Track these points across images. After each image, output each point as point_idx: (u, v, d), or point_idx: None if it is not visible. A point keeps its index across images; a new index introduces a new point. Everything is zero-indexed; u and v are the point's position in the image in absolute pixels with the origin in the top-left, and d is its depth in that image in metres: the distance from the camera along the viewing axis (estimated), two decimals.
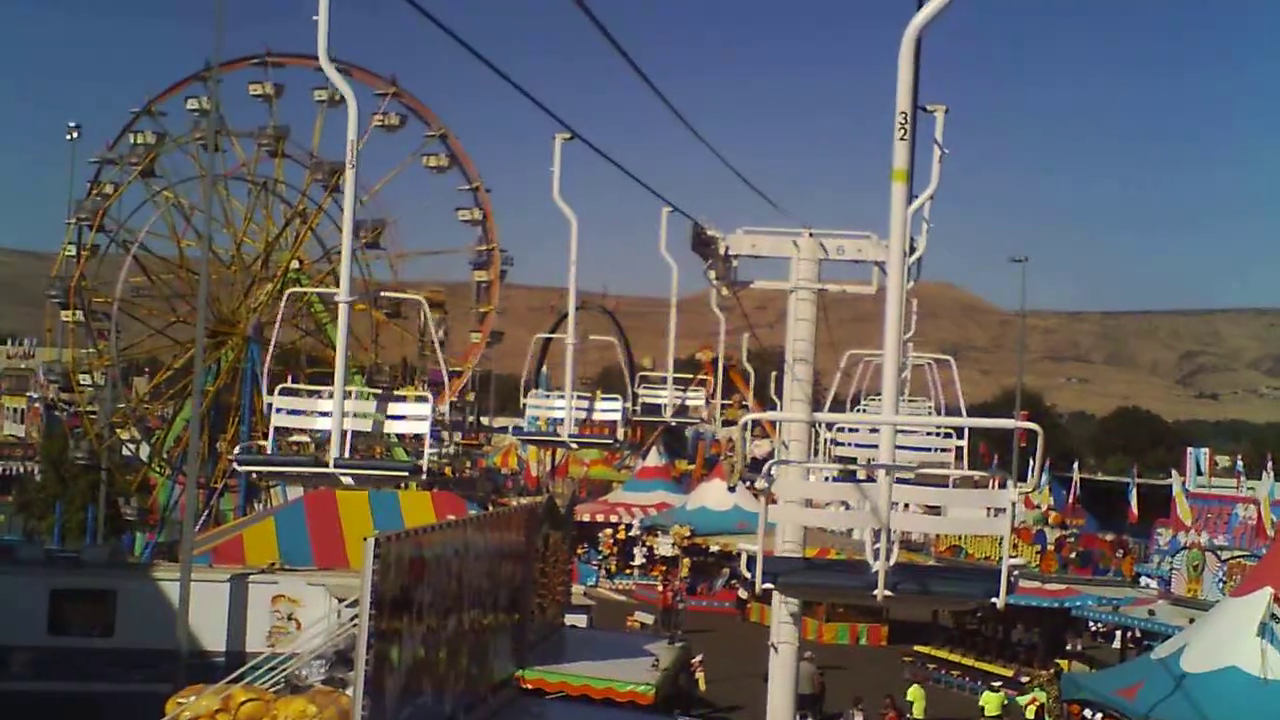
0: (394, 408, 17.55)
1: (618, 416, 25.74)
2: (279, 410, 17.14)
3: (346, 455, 16.16)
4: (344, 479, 16.56)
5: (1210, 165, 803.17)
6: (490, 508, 64.51)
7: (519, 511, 22.48)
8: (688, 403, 28.71)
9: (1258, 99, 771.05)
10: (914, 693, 39.47)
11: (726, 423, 28.77)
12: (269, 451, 17.39)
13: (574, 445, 26.92)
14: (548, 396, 26.68)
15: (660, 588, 65.78)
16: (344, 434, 16.19)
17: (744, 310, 25.17)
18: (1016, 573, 11.22)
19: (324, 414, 16.75)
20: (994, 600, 10.88)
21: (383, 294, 68.33)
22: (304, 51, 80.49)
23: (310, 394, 17.72)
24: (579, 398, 24.98)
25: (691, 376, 31.63)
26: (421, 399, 18.18)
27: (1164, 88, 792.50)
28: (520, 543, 21.55)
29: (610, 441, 27.39)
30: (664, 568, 67.89)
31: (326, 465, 16.20)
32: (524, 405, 26.04)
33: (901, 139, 10.93)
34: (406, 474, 18.06)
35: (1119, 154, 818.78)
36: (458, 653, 18.02)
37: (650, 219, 23.54)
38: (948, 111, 19.45)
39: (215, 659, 31.09)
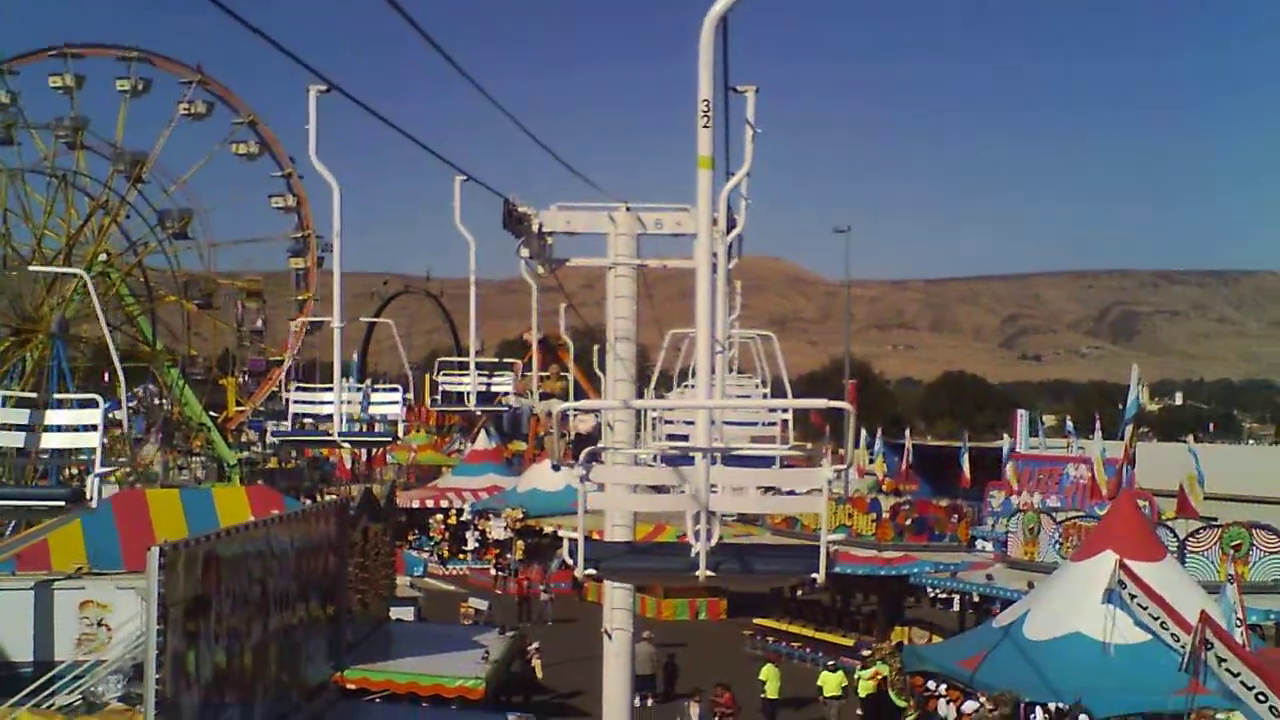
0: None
1: (396, 410, 25.81)
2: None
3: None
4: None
5: (1028, 132, 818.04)
6: (317, 498, 63.14)
7: (327, 506, 21.31)
8: (493, 388, 27.64)
9: (1087, 57, 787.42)
10: (767, 672, 38.63)
11: (544, 395, 27.77)
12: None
13: (344, 444, 26.92)
14: (316, 389, 26.45)
15: (500, 574, 64.90)
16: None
17: (562, 286, 24.21)
18: (834, 548, 10.90)
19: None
20: (814, 575, 10.94)
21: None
22: (103, 41, 78.52)
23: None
24: (352, 389, 25.23)
25: (498, 360, 30.58)
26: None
27: (983, 54, 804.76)
28: (332, 538, 20.37)
29: (386, 438, 27.14)
30: (497, 551, 66.99)
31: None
32: (286, 400, 25.97)
33: (705, 127, 10.61)
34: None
35: (936, 123, 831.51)
36: (265, 659, 16.86)
37: (474, 201, 22.47)
38: (758, 91, 18.83)
39: (22, 670, 29.46)
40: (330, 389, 23.67)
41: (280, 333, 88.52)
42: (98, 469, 15.21)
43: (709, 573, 10.74)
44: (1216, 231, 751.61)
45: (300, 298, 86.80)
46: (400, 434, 25.20)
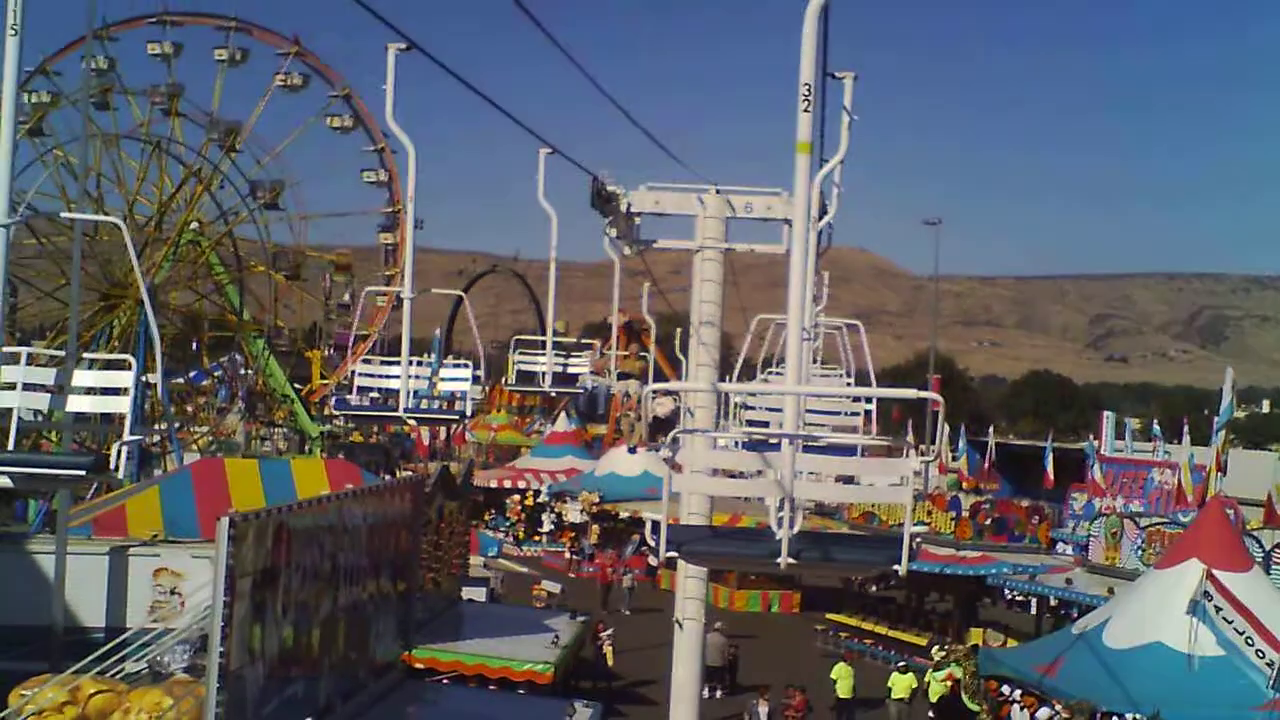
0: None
1: (465, 387, 25.15)
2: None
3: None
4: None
5: (1125, 134, 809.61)
6: (396, 474, 63.23)
7: (404, 483, 21.13)
8: (570, 369, 27.24)
9: (1181, 72, 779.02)
10: (839, 670, 38.00)
11: (622, 375, 27.17)
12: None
13: (410, 421, 27.14)
14: (386, 363, 25.79)
15: (574, 557, 64.72)
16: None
17: (648, 267, 23.93)
18: (918, 539, 10.77)
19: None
20: (896, 567, 10.88)
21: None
22: (202, 10, 78.82)
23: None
24: (418, 364, 24.33)
25: (575, 340, 30.30)
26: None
27: (1083, 58, 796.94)
28: (406, 515, 20.22)
29: (455, 416, 26.68)
30: (572, 534, 66.79)
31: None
32: (351, 373, 25.84)
33: (805, 110, 10.58)
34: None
35: (1033, 120, 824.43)
36: (333, 636, 16.70)
37: (564, 183, 22.26)
38: (857, 79, 19.18)
39: (94, 635, 29.50)
40: (398, 363, 23.43)
41: (368, 307, 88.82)
42: (126, 435, 14.47)
43: (790, 560, 10.70)
44: None
45: (389, 273, 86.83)
46: (469, 412, 24.69)
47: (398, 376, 23.05)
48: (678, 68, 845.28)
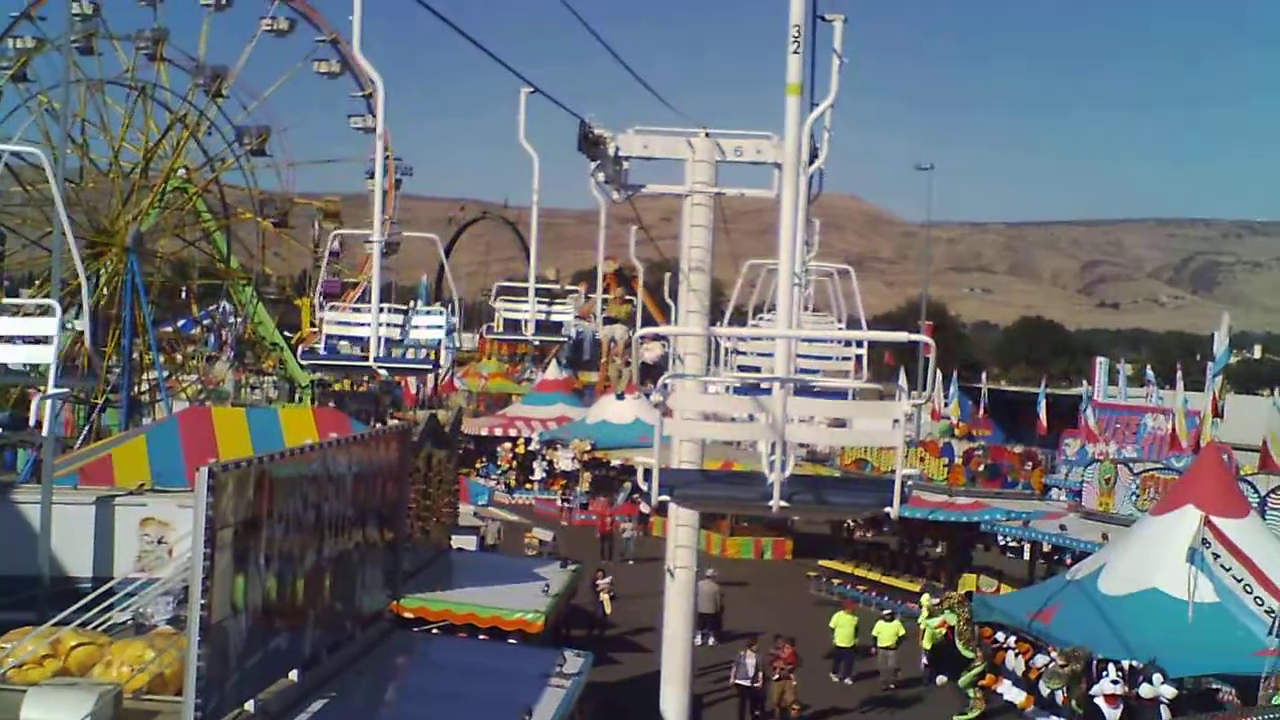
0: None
1: (439, 335, 23.72)
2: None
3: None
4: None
5: (1115, 78, 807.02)
6: (386, 422, 62.99)
7: (391, 431, 20.77)
8: (553, 317, 26.75)
9: (1175, 18, 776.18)
10: (839, 619, 37.69)
11: (609, 320, 26.59)
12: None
13: (381, 371, 25.54)
14: (356, 310, 24.99)
15: (565, 505, 64.63)
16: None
17: (636, 211, 23.56)
18: (910, 482, 11.00)
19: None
20: (888, 509, 10.95)
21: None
22: None
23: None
24: (392, 311, 23.15)
25: (561, 287, 29.86)
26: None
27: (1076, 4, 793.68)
28: (393, 464, 19.88)
29: (427, 366, 24.97)
30: (564, 482, 66.71)
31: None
32: (318, 320, 24.04)
33: (795, 52, 10.65)
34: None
35: (1022, 66, 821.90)
36: (318, 587, 16.41)
37: (551, 126, 21.90)
38: (846, 21, 18.50)
39: (81, 585, 29.28)
40: (367, 309, 21.99)
41: (357, 254, 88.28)
42: (50, 389, 13.80)
43: (783, 503, 10.72)
44: None
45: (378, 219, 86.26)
46: (443, 361, 23.38)
47: (367, 324, 21.59)
48: (667, 6, 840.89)
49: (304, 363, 46.07)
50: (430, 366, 24.50)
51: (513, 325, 27.00)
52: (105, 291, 62.53)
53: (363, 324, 22.39)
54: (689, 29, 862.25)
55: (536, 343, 30.03)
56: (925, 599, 37.48)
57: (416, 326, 23.06)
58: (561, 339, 28.95)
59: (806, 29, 11.40)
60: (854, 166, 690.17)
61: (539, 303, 26.25)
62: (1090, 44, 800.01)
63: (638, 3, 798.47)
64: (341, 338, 23.13)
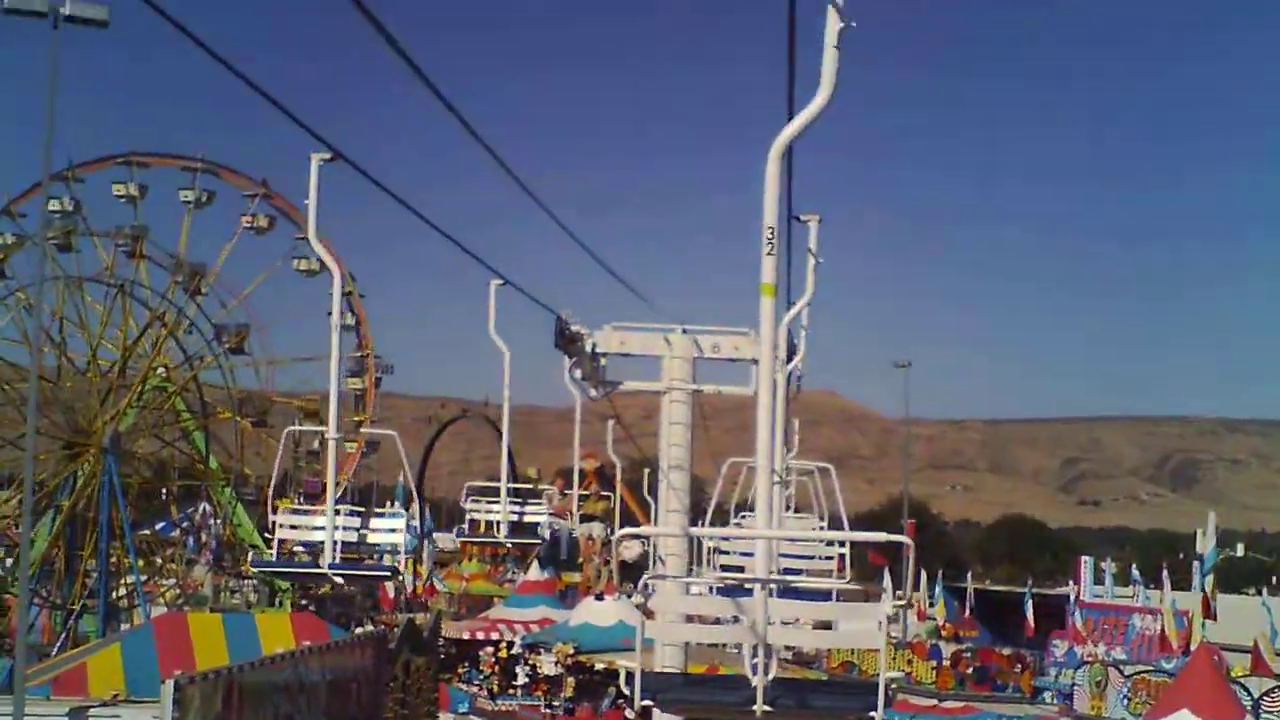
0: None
1: (398, 539, 21.77)
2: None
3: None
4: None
5: (1088, 274, 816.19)
6: (368, 625, 62.04)
7: (363, 637, 20.31)
8: (526, 517, 26.24)
9: (1156, 210, 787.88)
10: None
11: (586, 518, 25.99)
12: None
13: (337, 579, 22.14)
14: (308, 514, 22.46)
15: (549, 711, 63.36)
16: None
17: (617, 411, 23.35)
18: (894, 685, 10.64)
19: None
20: (872, 714, 10.84)
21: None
22: (168, 151, 78.77)
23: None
24: (350, 514, 21.75)
25: (531, 486, 29.52)
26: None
27: (1046, 194, 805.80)
28: (368, 671, 19.38)
29: (384, 572, 22.59)
30: (546, 687, 65.52)
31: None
32: (272, 523, 22.13)
33: (769, 254, 10.72)
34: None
35: (992, 262, 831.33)
36: None
37: (528, 324, 21.81)
38: (821, 221, 19.40)
39: None
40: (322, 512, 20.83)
41: (340, 453, 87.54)
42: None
43: (766, 707, 10.67)
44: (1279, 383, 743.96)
45: (357, 419, 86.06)
46: (400, 567, 21.43)
47: (322, 528, 20.28)
48: (641, 202, 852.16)
49: (253, 570, 44.60)
50: (389, 573, 22.14)
51: (483, 526, 26.46)
52: (86, 493, 61.87)
53: (317, 527, 20.83)
54: (663, 226, 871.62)
55: (509, 545, 29.19)
56: None
57: (375, 530, 21.57)
58: (535, 540, 28.15)
59: (781, 229, 11.44)
60: (831, 364, 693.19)
61: (511, 503, 25.74)
62: (1061, 231, 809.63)
63: (610, 201, 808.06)
64: (299, 543, 21.61)
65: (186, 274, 69.69)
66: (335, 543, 19.87)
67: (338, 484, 67.97)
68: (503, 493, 25.49)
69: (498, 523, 25.59)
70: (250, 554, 35.32)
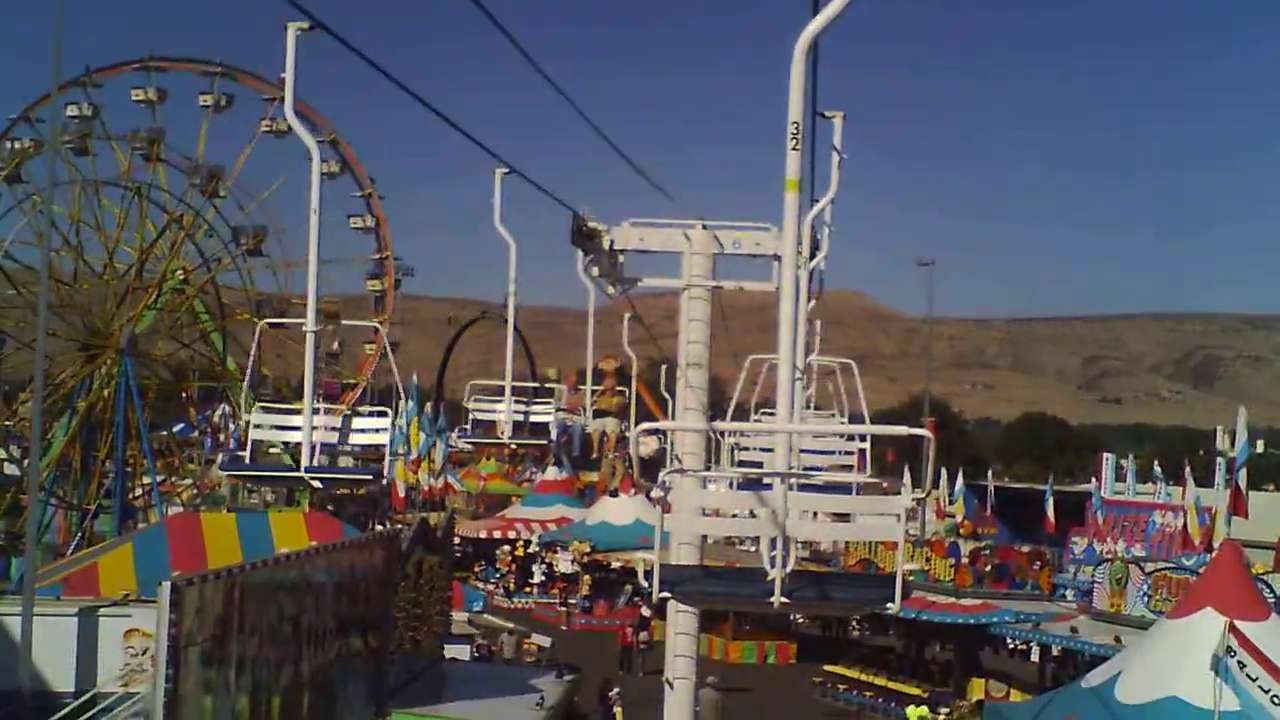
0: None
1: (382, 439, 20.09)
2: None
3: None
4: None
5: (1114, 173, 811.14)
6: (386, 525, 62.03)
7: (375, 537, 19.94)
8: (533, 417, 25.28)
9: (1177, 106, 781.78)
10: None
11: (598, 414, 24.90)
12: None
13: (315, 483, 20.03)
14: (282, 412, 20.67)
15: (565, 609, 63.54)
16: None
17: (638, 312, 22.85)
18: (911, 578, 10.39)
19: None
20: (890, 605, 10.87)
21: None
22: (187, 55, 78.00)
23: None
24: (328, 412, 20.04)
25: (539, 384, 28.73)
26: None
27: (1070, 91, 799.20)
28: (378, 571, 19.06)
29: (365, 474, 21.08)
30: (564, 585, 65.68)
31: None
32: (245, 422, 20.31)
33: (794, 149, 10.61)
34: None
35: (1021, 160, 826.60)
36: (297, 704, 15.56)
37: (549, 220, 21.27)
38: (845, 118, 18.96)
39: (63, 700, 28.32)
40: (299, 410, 19.01)
41: (358, 355, 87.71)
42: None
43: (784, 599, 10.70)
44: None
45: (377, 320, 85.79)
46: (385, 471, 19.83)
47: (299, 428, 18.47)
48: (664, 98, 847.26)
49: (223, 472, 42.48)
50: (370, 476, 20.50)
51: (488, 426, 25.60)
52: (103, 395, 61.72)
53: (294, 427, 18.95)
54: (686, 122, 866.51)
55: (513, 446, 27.96)
56: (914, 712, 36.53)
57: (358, 430, 19.69)
58: (542, 441, 26.72)
59: (806, 125, 11.17)
60: (855, 263, 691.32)
61: (517, 401, 24.83)
62: (1081, 135, 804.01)
63: (633, 94, 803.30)
64: (278, 441, 20.41)
65: (204, 176, 69.23)
66: (314, 444, 18.08)
67: (355, 384, 67.99)
68: (507, 391, 24.44)
69: (502, 422, 24.72)
70: (220, 457, 32.38)
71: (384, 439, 19.68)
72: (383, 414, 20.46)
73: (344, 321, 68.78)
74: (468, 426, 25.91)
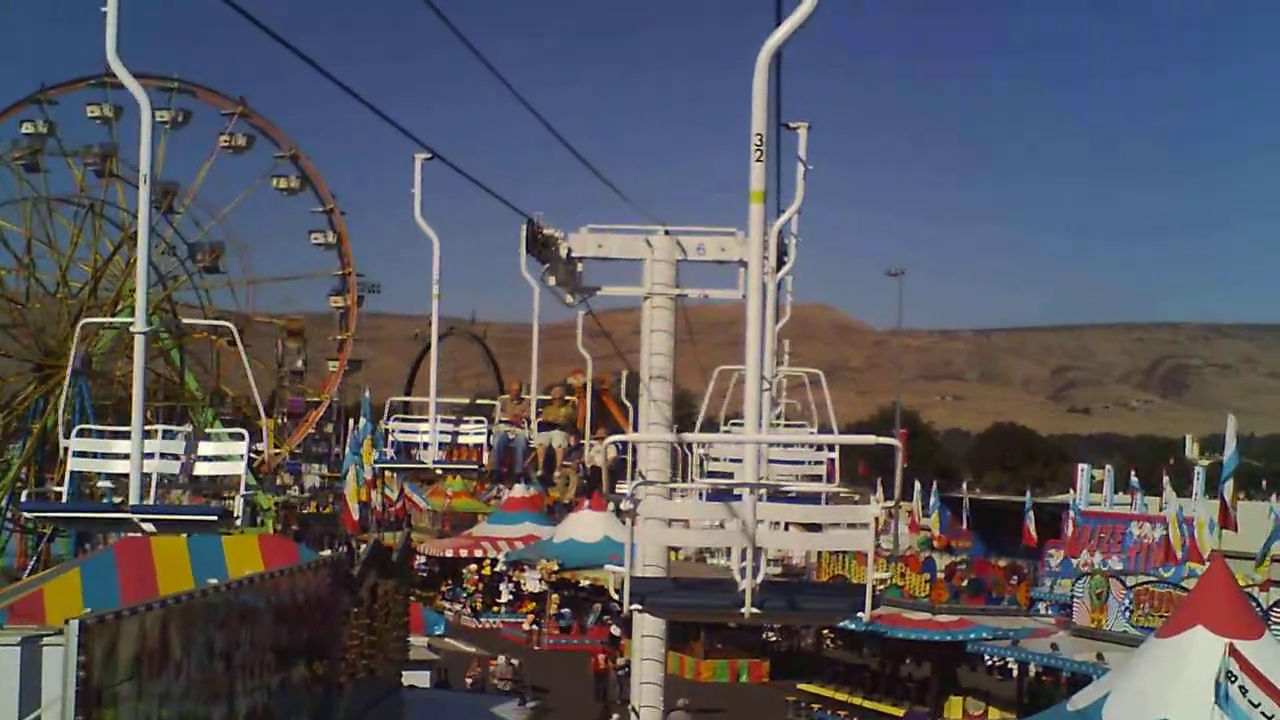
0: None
1: (236, 468, 16.14)
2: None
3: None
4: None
5: (1082, 182, 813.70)
6: (353, 548, 60.77)
7: (319, 562, 18.82)
8: (461, 439, 23.12)
9: (1144, 116, 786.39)
10: None
11: (544, 426, 23.35)
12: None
13: (146, 526, 15.31)
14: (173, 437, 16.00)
15: (534, 629, 62.55)
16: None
17: (592, 312, 21.77)
18: (882, 588, 9.74)
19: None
20: (860, 614, 10.94)
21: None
22: (143, 71, 76.85)
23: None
24: (166, 435, 15.88)
25: (469, 402, 27.00)
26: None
27: (1039, 98, 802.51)
28: (324, 598, 17.96)
29: (209, 515, 16.52)
30: (532, 604, 64.68)
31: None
32: (64, 450, 15.90)
33: (758, 160, 10.51)
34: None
35: (987, 172, 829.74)
36: None
37: (501, 225, 20.26)
38: (810, 128, 18.56)
39: None
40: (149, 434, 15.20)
41: (323, 372, 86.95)
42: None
43: (755, 609, 10.63)
44: (1268, 285, 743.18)
45: (340, 337, 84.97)
46: (239, 511, 15.07)
47: (127, 456, 14.59)
48: (629, 109, 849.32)
49: (27, 515, 36.11)
50: (215, 517, 15.89)
51: (405, 450, 23.31)
52: (58, 416, 60.53)
53: (120, 455, 15.03)
54: (649, 132, 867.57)
55: (439, 472, 25.77)
56: None
57: (205, 458, 16.04)
58: (470, 466, 23.73)
59: (770, 136, 10.99)
60: (822, 276, 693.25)
61: (444, 421, 22.46)
62: (1050, 142, 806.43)
63: (595, 105, 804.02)
64: (103, 474, 15.68)
65: (158, 192, 68.20)
66: (146, 476, 14.43)
67: (319, 402, 66.64)
68: (432, 409, 22.11)
69: (420, 445, 22.55)
70: (23, 495, 27.03)
71: (238, 468, 15.84)
72: (239, 436, 16.60)
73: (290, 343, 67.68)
74: (388, 450, 23.41)
